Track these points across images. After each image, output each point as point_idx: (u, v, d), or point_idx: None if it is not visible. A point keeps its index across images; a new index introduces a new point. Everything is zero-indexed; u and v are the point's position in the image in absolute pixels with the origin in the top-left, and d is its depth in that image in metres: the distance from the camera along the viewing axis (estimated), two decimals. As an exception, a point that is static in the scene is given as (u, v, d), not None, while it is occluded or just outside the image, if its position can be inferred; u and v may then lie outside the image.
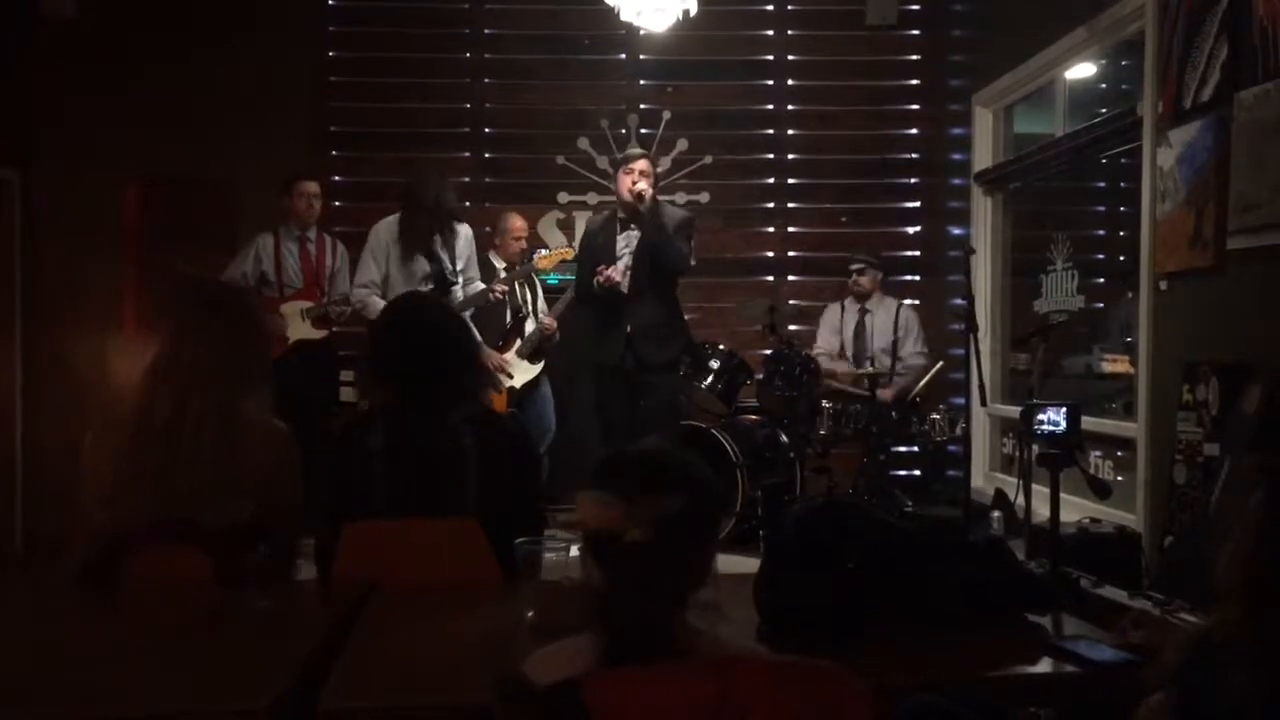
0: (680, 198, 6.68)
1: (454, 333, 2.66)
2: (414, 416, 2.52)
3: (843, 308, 6.29)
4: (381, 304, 5.31)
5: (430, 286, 5.33)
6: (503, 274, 5.78)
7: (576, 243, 5.83)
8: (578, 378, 5.95)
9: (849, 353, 6.19)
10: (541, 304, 5.97)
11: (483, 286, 5.53)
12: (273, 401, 2.61)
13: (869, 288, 6.16)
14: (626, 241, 5.05)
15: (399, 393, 2.56)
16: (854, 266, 6.17)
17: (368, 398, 2.61)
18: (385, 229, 5.42)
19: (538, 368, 5.84)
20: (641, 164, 5.00)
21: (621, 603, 1.39)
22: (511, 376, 5.71)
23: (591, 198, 6.62)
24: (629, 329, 4.99)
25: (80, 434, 2.53)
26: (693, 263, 5.25)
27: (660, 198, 5.20)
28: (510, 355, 5.73)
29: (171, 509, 2.35)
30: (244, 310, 2.66)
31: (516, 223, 6.00)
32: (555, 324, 5.74)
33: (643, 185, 4.91)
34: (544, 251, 6.08)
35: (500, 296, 5.57)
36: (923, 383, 5.87)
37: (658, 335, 5.03)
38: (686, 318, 5.59)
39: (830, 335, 6.30)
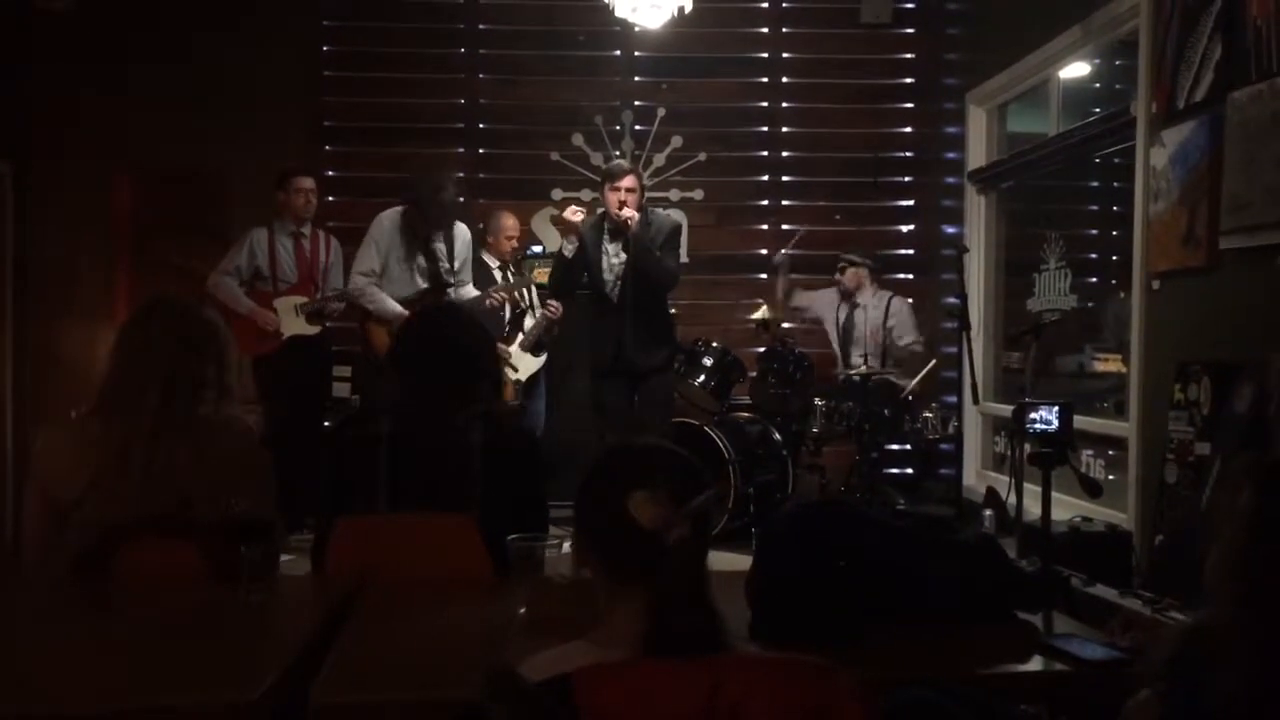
0: (674, 194, 6.68)
1: (477, 345, 2.69)
2: (422, 412, 2.54)
3: (835, 300, 6.30)
4: (379, 293, 5.30)
5: (426, 285, 5.33)
6: (497, 275, 5.78)
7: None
8: (571, 375, 5.96)
9: (837, 344, 6.19)
10: (536, 298, 5.98)
11: (475, 292, 5.54)
12: (235, 401, 2.63)
13: (851, 286, 6.14)
14: (615, 251, 5.03)
15: (410, 389, 2.57)
16: (838, 265, 6.18)
17: (375, 394, 2.64)
18: (389, 220, 5.40)
19: (540, 360, 5.85)
20: (627, 180, 4.94)
21: (679, 598, 1.38)
22: (516, 370, 5.72)
23: (585, 194, 6.61)
24: (619, 337, 4.97)
25: (45, 423, 2.54)
26: (685, 259, 5.26)
27: (652, 195, 5.20)
28: (514, 349, 5.74)
29: (160, 504, 2.35)
30: (204, 320, 2.67)
31: (508, 221, 5.99)
32: (559, 306, 5.69)
33: (628, 211, 4.87)
34: (536, 249, 6.09)
35: (496, 305, 5.57)
36: (917, 380, 5.87)
37: (647, 343, 5.01)
38: (673, 311, 5.62)
39: (802, 312, 6.35)
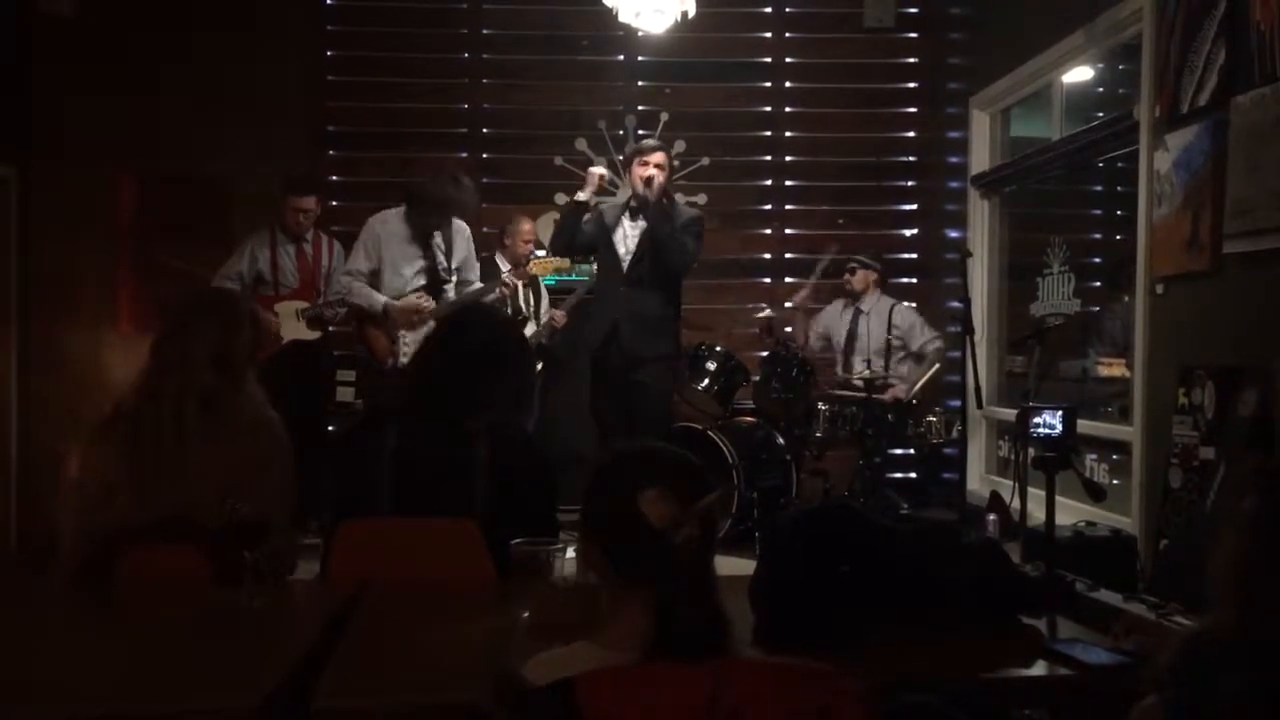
0: (678, 199, 6.67)
1: (489, 343, 2.60)
2: (428, 420, 2.51)
3: (841, 308, 6.30)
4: (364, 287, 5.28)
5: (423, 283, 5.32)
6: (508, 275, 5.78)
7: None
8: (571, 375, 5.93)
9: (840, 353, 6.19)
10: (545, 306, 5.98)
11: (480, 285, 5.53)
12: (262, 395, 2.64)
13: (859, 288, 6.15)
14: (633, 227, 4.96)
15: (417, 395, 2.55)
16: (848, 265, 6.18)
17: (379, 399, 2.62)
18: (380, 222, 5.39)
19: (536, 367, 5.85)
20: (658, 156, 4.93)
21: (686, 598, 1.38)
22: None
23: (620, 194, 6.59)
24: (617, 316, 4.91)
25: (75, 431, 2.54)
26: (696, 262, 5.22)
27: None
28: None
29: (169, 508, 2.36)
30: (232, 309, 2.68)
31: (525, 225, 6.04)
32: (565, 316, 5.71)
33: (656, 174, 4.87)
34: (540, 253, 6.09)
35: (507, 292, 5.56)
36: (920, 384, 5.87)
37: (648, 327, 4.91)
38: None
39: (816, 337, 6.30)
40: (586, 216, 5.00)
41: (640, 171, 4.91)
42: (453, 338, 2.61)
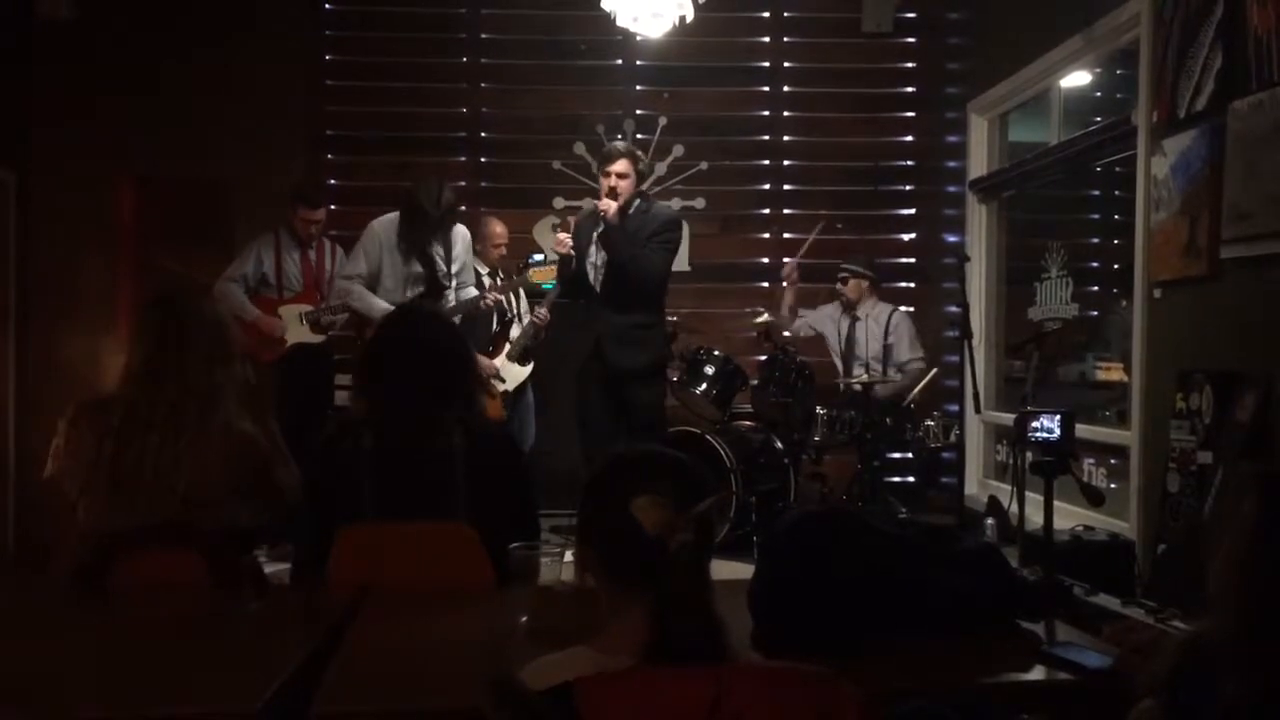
0: (676, 203, 6.67)
1: (445, 339, 2.66)
2: (402, 419, 2.52)
3: (837, 313, 6.30)
4: (365, 293, 5.28)
5: (422, 289, 5.32)
6: (486, 280, 5.76)
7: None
8: (558, 382, 5.91)
9: (840, 357, 6.19)
10: (524, 306, 5.94)
11: (475, 293, 5.51)
12: (262, 404, 2.64)
13: (853, 296, 6.13)
14: (600, 246, 4.89)
15: (388, 396, 2.56)
16: (839, 275, 6.17)
17: (359, 402, 2.61)
18: (381, 227, 5.39)
19: (527, 369, 5.83)
20: (618, 165, 4.76)
21: (682, 604, 1.37)
22: (504, 381, 5.70)
23: (587, 203, 6.59)
24: (599, 332, 4.86)
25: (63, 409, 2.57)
26: (687, 267, 5.16)
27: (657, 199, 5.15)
28: (500, 360, 5.72)
29: (142, 505, 2.37)
30: (206, 318, 2.68)
31: (496, 229, 5.97)
32: (548, 314, 5.64)
33: (605, 203, 4.74)
34: (538, 257, 6.07)
35: (491, 305, 5.54)
36: (918, 389, 5.87)
37: (627, 339, 4.82)
38: (674, 318, 5.53)
39: (804, 325, 6.29)
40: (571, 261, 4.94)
41: (604, 183, 4.80)
42: (401, 337, 2.63)
